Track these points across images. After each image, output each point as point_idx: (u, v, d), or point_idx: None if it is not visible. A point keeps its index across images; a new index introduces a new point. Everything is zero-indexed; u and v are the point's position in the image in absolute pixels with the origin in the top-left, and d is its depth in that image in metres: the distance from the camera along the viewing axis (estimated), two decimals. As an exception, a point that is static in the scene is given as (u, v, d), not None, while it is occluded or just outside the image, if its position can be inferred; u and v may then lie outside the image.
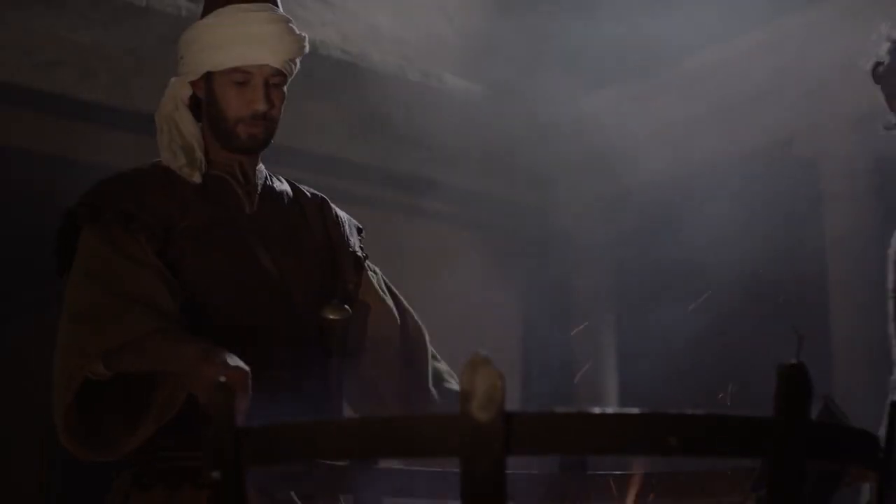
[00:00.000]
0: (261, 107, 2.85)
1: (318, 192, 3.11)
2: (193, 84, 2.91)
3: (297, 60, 2.94)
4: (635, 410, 1.44)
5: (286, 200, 3.01)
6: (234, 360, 2.54)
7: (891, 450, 1.74)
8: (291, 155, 5.70)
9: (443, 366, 3.09)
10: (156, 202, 2.83)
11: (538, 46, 6.79)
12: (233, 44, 2.84)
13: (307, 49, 2.95)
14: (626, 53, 6.48)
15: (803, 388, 1.52)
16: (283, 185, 3.04)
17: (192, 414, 2.59)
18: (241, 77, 2.85)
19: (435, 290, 6.75)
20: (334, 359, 2.90)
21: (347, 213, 3.15)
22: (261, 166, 3.00)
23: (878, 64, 3.06)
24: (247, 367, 2.52)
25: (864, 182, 6.53)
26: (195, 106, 2.95)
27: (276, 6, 2.94)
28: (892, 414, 1.76)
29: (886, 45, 3.06)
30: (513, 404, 1.41)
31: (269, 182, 3.00)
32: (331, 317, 2.86)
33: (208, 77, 2.89)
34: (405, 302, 3.14)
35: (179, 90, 2.93)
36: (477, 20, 7.14)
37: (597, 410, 1.42)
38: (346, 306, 2.89)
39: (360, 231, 3.12)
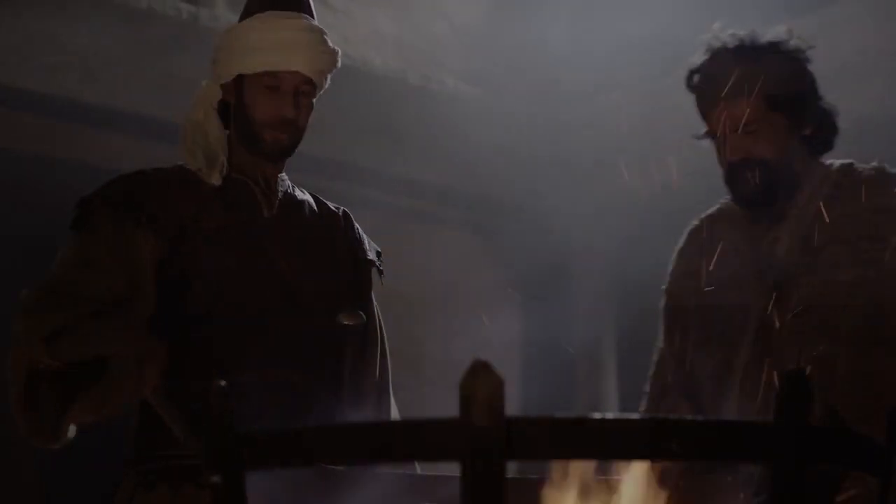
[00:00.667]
0: (289, 113, 2.87)
1: (340, 206, 3.12)
2: (224, 87, 2.92)
3: (329, 75, 2.95)
4: (636, 415, 1.44)
5: (307, 209, 3.02)
6: (150, 339, 2.64)
7: (892, 455, 1.74)
8: (292, 157, 5.70)
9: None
10: (173, 201, 2.86)
11: (539, 49, 6.79)
12: (266, 49, 2.86)
13: (339, 64, 2.96)
14: (629, 56, 6.47)
15: (803, 392, 1.52)
16: (304, 196, 3.06)
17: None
18: (271, 82, 2.86)
19: (435, 294, 6.75)
20: (347, 363, 2.91)
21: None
22: (283, 175, 3.01)
23: (692, 72, 2.98)
24: (162, 343, 2.63)
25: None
26: (222, 110, 2.96)
27: (313, 18, 2.95)
28: (892, 419, 1.76)
29: (705, 55, 2.96)
30: (512, 409, 1.41)
31: (290, 191, 3.02)
32: (345, 322, 2.88)
33: (239, 80, 2.90)
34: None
35: (210, 93, 2.95)
36: (478, 23, 7.14)
37: (597, 416, 1.41)
38: (361, 313, 2.91)
39: (378, 255, 3.13)
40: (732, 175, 2.85)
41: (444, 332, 6.56)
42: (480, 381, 1.39)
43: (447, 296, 6.74)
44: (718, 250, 2.90)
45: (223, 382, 1.65)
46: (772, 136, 2.80)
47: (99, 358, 2.69)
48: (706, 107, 2.89)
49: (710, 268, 2.89)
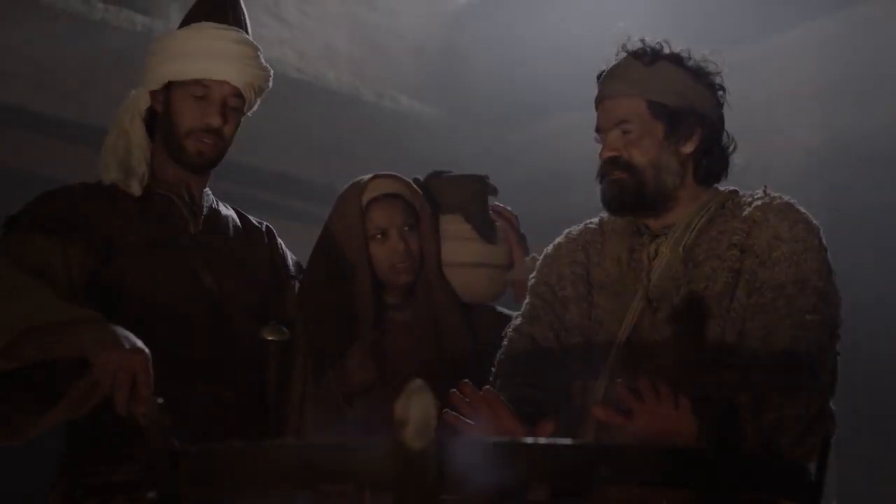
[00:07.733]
0: (214, 121, 2.84)
1: (263, 221, 3.12)
2: (153, 95, 2.91)
3: (259, 96, 2.94)
4: (567, 440, 1.44)
5: (231, 224, 3.02)
6: (131, 342, 2.48)
7: (822, 484, 1.75)
8: (244, 171, 5.69)
9: None
10: (99, 216, 2.82)
11: (493, 69, 6.81)
12: (197, 56, 2.85)
13: (270, 85, 2.96)
14: (585, 75, 6.48)
15: (734, 421, 1.54)
16: (228, 211, 3.05)
17: (125, 427, 2.55)
18: (200, 91, 2.85)
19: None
20: (271, 379, 2.91)
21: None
22: (207, 190, 3.00)
23: (602, 71, 2.96)
24: (146, 349, 2.47)
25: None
26: (151, 121, 2.94)
27: (247, 34, 2.94)
28: (823, 450, 1.78)
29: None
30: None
31: (215, 206, 3.01)
32: (269, 338, 2.88)
33: (168, 88, 2.88)
34: None
35: (139, 101, 2.93)
36: (433, 42, 7.15)
37: (528, 440, 1.42)
38: (284, 328, 2.91)
39: (298, 267, 3.13)
40: (601, 173, 2.80)
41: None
42: (414, 403, 1.40)
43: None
44: (598, 256, 2.88)
45: (160, 399, 1.65)
46: (646, 143, 2.75)
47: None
48: (597, 101, 2.87)
49: (591, 273, 2.87)
